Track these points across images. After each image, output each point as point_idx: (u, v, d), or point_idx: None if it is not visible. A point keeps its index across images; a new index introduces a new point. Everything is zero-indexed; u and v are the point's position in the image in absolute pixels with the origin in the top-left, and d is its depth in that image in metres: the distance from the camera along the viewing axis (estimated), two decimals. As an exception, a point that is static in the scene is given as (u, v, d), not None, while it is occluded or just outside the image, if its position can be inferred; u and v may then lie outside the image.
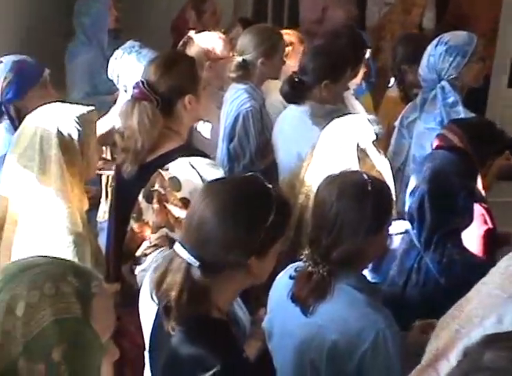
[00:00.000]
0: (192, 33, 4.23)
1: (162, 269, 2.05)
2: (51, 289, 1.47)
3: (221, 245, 1.97)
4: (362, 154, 3.06)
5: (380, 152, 3.11)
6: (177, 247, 2.02)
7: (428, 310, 2.62)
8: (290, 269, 2.50)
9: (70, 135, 2.69)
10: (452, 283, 2.86)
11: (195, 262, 1.97)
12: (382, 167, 3.09)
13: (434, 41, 3.80)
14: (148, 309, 2.24)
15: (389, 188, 2.52)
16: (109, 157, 4.06)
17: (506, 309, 1.72)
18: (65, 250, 2.65)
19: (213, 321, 2.01)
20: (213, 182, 2.20)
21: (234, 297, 2.14)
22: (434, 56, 3.75)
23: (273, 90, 4.29)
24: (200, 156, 2.76)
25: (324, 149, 3.16)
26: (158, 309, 2.07)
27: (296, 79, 3.73)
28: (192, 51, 4.09)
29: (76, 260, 2.60)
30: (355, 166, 2.98)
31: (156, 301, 2.05)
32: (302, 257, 2.42)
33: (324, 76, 3.70)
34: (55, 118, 2.71)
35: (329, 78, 3.71)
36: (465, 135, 3.02)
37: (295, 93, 3.73)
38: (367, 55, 4.50)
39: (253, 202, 2.02)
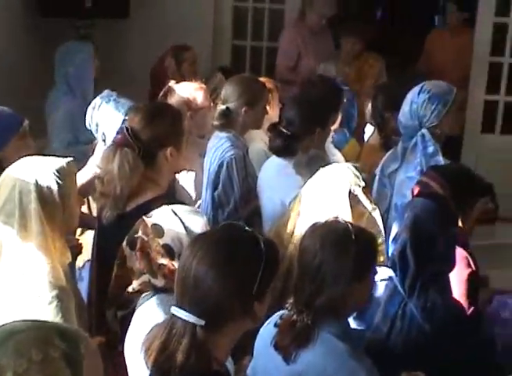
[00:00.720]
0: (172, 83, 4.26)
1: (163, 337, 2.01)
2: (38, 355, 1.41)
3: (224, 298, 1.97)
4: (353, 201, 3.10)
5: (370, 199, 3.16)
6: (175, 310, 2.01)
7: (412, 358, 2.63)
8: (275, 317, 2.50)
9: (49, 189, 2.65)
10: (436, 329, 2.88)
11: (200, 322, 1.96)
12: (373, 213, 3.14)
13: (416, 89, 3.85)
14: (138, 363, 2.23)
15: (373, 236, 2.56)
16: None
17: None
18: (49, 305, 2.60)
19: (213, 375, 2.00)
20: (198, 236, 2.19)
21: (232, 346, 2.13)
22: (417, 103, 3.80)
23: (255, 138, 4.33)
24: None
25: (314, 198, 3.18)
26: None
27: (285, 131, 3.76)
28: (173, 101, 4.11)
29: (60, 315, 2.57)
30: (347, 213, 3.03)
31: (152, 368, 2.03)
32: (287, 305, 2.44)
33: (315, 125, 3.76)
34: (34, 172, 2.67)
35: (320, 126, 3.78)
36: (445, 181, 3.07)
37: (286, 146, 3.76)
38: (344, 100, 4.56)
39: (243, 248, 2.04)
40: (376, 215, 3.14)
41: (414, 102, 3.81)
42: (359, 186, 3.11)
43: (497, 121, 6.60)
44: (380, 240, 3.12)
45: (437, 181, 3.08)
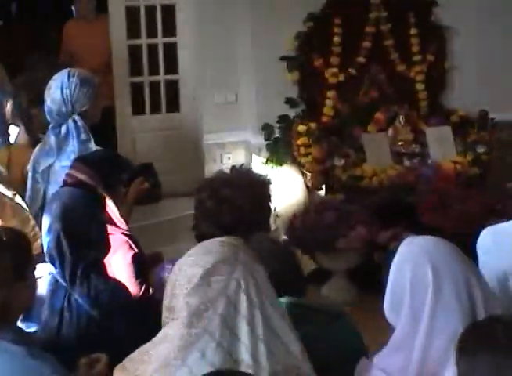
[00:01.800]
0: None
1: None
2: None
3: None
4: None
5: (7, 187, 3.18)
6: None
7: (87, 346, 2.67)
8: None
9: None
10: (103, 313, 2.95)
11: None
12: (15, 200, 3.20)
13: (63, 75, 3.84)
14: None
15: (22, 234, 2.55)
16: None
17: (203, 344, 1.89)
18: None
19: None
20: None
21: None
22: (69, 88, 3.79)
23: None
24: None
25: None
26: None
27: None
28: None
29: None
30: None
31: None
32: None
33: None
34: None
35: None
36: (91, 170, 3.11)
37: None
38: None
39: None
40: (18, 200, 3.21)
41: (65, 87, 3.79)
42: None
43: (145, 101, 6.79)
44: (31, 223, 3.21)
45: (83, 171, 3.11)
